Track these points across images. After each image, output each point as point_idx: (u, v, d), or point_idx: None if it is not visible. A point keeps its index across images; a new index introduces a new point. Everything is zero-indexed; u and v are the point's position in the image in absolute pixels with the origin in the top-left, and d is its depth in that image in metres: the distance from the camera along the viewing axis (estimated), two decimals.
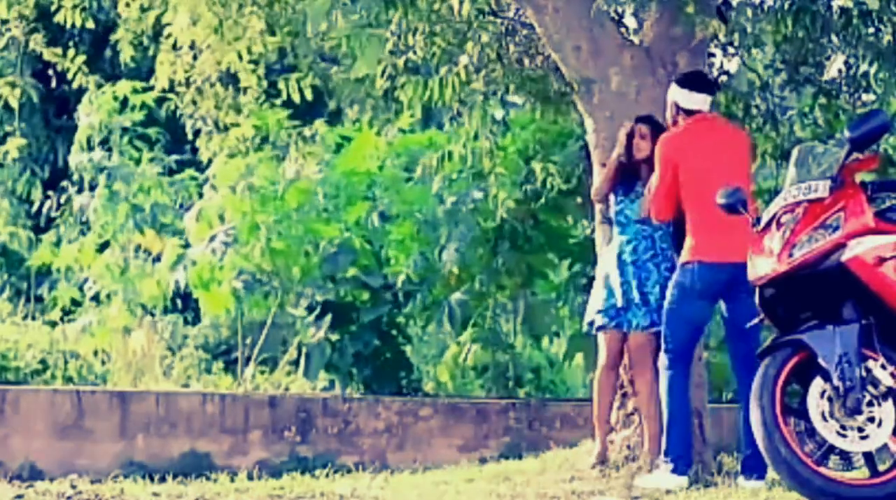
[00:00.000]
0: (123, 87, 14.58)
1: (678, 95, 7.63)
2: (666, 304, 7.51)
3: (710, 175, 7.28)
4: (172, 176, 15.53)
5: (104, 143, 14.95)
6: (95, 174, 14.92)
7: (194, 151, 14.46)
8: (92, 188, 15.10)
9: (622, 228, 7.94)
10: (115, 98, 14.82)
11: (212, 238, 13.77)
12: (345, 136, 15.08)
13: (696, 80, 7.77)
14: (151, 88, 12.11)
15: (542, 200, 13.25)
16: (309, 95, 10.56)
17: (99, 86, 10.69)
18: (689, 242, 7.49)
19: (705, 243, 7.38)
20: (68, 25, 10.07)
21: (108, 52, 14.20)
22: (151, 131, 15.24)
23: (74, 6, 9.91)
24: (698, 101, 7.61)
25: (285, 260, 13.78)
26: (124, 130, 15.00)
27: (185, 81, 10.01)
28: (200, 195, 14.88)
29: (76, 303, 15.04)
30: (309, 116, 14.03)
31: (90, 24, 10.05)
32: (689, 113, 7.60)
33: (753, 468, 7.36)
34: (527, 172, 13.26)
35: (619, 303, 7.83)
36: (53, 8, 9.95)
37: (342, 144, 15.05)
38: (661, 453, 7.47)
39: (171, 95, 10.29)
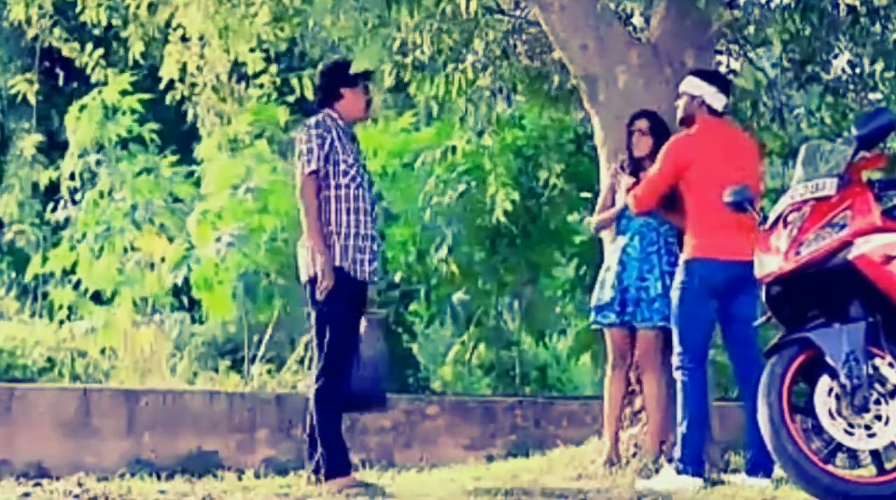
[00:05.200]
0: (111, 93, 14.43)
1: (706, 92, 7.60)
2: (674, 305, 7.48)
3: (720, 177, 7.26)
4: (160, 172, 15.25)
5: (99, 148, 14.84)
6: (88, 182, 14.82)
7: (190, 150, 14.44)
8: (74, 194, 15.01)
9: (627, 221, 7.93)
10: (105, 107, 14.67)
11: (217, 239, 13.67)
12: None
13: (722, 80, 7.79)
14: (141, 88, 11.97)
15: (541, 197, 13.22)
16: None
17: (121, 72, 10.64)
18: (691, 240, 7.49)
19: (709, 242, 7.39)
20: (92, 23, 10.09)
21: (116, 48, 14.07)
22: (145, 131, 15.07)
23: (98, 4, 9.92)
24: (723, 101, 7.63)
25: (288, 258, 13.72)
26: (118, 135, 14.87)
27: (196, 70, 10.00)
28: (198, 196, 14.74)
29: (80, 300, 14.99)
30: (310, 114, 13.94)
31: (115, 21, 10.06)
32: (711, 112, 7.61)
33: (759, 467, 7.36)
34: (525, 169, 13.24)
35: (606, 298, 7.83)
36: (79, 9, 9.96)
37: None
38: (677, 455, 7.34)
39: (177, 85, 10.25)
